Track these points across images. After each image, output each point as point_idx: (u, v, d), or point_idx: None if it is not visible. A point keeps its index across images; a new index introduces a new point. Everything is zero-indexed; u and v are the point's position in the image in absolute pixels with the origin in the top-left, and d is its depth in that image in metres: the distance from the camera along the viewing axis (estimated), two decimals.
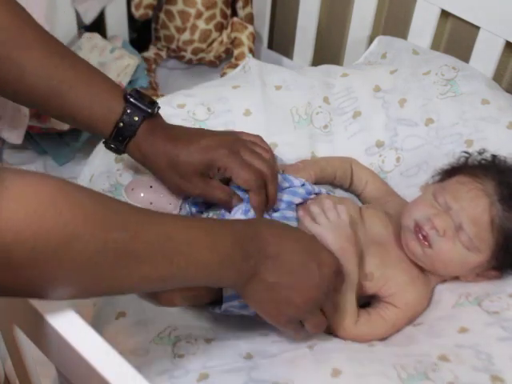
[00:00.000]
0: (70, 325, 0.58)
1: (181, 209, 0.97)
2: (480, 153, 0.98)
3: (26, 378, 0.75)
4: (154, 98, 1.26)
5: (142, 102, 0.88)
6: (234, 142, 0.89)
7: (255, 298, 0.75)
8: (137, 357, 0.80)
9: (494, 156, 0.96)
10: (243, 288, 0.73)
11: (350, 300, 0.86)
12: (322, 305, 0.78)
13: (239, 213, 0.87)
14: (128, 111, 0.87)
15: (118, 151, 0.91)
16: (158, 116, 0.91)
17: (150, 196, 0.96)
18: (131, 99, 0.87)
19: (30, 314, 0.60)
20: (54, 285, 0.56)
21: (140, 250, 0.60)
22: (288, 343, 0.84)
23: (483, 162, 0.96)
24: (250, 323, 0.90)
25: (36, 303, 0.59)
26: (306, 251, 0.76)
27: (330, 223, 0.87)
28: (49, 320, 0.58)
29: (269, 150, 0.93)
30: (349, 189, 1.06)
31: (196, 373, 0.78)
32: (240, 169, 0.86)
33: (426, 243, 0.88)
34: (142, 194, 0.96)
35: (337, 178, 1.02)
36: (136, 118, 0.87)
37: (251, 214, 0.87)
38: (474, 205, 0.87)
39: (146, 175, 1.01)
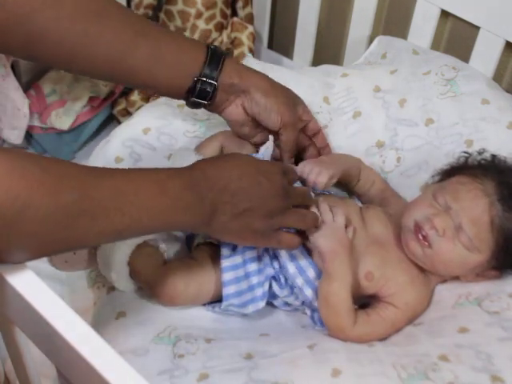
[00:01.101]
0: (69, 325, 0.58)
1: None
2: (480, 153, 0.98)
3: (26, 378, 0.75)
4: (154, 98, 1.28)
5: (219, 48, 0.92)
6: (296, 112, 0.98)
7: (225, 231, 0.79)
8: (137, 357, 0.80)
9: (493, 156, 0.96)
10: (208, 227, 0.77)
11: (345, 302, 0.86)
12: (288, 205, 0.82)
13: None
14: (198, 85, 0.90)
15: (206, 94, 0.91)
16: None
17: None
18: (197, 78, 0.90)
19: (29, 314, 0.60)
20: (10, 250, 0.60)
21: (92, 208, 0.64)
22: (288, 343, 0.84)
23: (483, 162, 0.96)
24: (250, 323, 0.90)
25: (36, 303, 0.59)
26: (251, 171, 0.80)
27: (323, 226, 0.88)
28: (49, 320, 0.58)
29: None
30: (354, 187, 1.05)
31: (196, 373, 0.78)
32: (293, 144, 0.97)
33: (425, 243, 0.88)
34: None
35: (349, 175, 1.01)
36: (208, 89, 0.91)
37: None
38: (473, 205, 0.87)
39: None
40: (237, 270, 0.88)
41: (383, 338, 0.87)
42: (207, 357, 0.80)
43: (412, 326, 0.88)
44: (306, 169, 0.94)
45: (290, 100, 0.97)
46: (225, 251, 0.89)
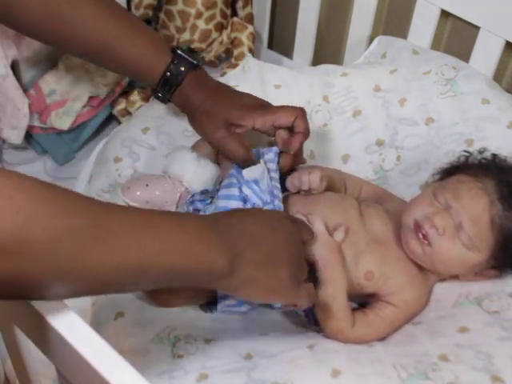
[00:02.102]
0: (69, 325, 0.58)
1: (177, 207, 0.97)
2: (480, 152, 0.98)
3: (26, 378, 0.75)
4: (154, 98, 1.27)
5: (187, 54, 0.95)
6: (267, 104, 0.97)
7: (251, 283, 0.71)
8: (136, 357, 0.80)
9: (494, 155, 0.96)
10: (231, 278, 0.69)
11: (342, 306, 0.86)
12: (303, 255, 0.78)
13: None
14: (175, 62, 0.94)
15: (164, 100, 0.98)
16: (202, 68, 0.98)
17: (146, 194, 0.96)
18: (178, 51, 0.95)
19: (30, 314, 0.60)
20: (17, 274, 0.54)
21: (105, 237, 0.58)
22: (288, 343, 0.84)
23: (484, 161, 0.96)
24: (250, 323, 0.90)
25: (36, 303, 0.59)
26: (263, 218, 0.76)
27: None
28: (49, 320, 0.58)
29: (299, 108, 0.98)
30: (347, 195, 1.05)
31: (195, 373, 0.78)
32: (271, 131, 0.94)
33: (425, 242, 0.88)
34: (138, 193, 0.96)
35: (335, 184, 1.01)
36: (182, 68, 0.94)
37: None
38: (474, 204, 0.87)
39: (143, 174, 1.01)
40: None
41: (383, 338, 0.87)
42: (207, 357, 0.80)
43: (412, 325, 0.88)
44: (295, 175, 0.95)
45: (217, 115, 0.94)
46: None
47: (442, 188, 0.91)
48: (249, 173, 0.92)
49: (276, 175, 0.93)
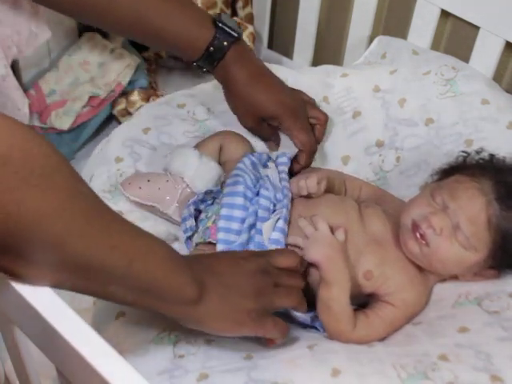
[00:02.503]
0: (70, 325, 0.58)
1: (178, 205, 0.97)
2: (478, 152, 0.98)
3: (26, 378, 0.75)
4: (154, 98, 1.27)
5: (229, 26, 0.96)
6: (301, 106, 1.01)
7: (217, 315, 0.74)
8: (137, 357, 0.80)
9: (492, 155, 0.96)
10: (197, 308, 0.71)
11: (346, 307, 0.86)
12: (272, 281, 0.78)
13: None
14: (217, 36, 0.96)
15: (205, 71, 1.00)
16: (243, 42, 1.01)
17: (148, 189, 0.96)
18: (220, 24, 0.96)
19: (29, 313, 0.60)
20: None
21: (98, 224, 0.61)
22: (288, 343, 0.84)
23: (481, 161, 0.96)
24: None
25: (36, 303, 0.59)
26: (227, 256, 0.81)
27: (309, 240, 0.88)
28: (49, 320, 0.58)
29: (325, 114, 1.06)
30: (346, 197, 1.05)
31: (196, 373, 0.78)
32: (299, 132, 0.99)
33: (423, 242, 0.88)
34: (139, 187, 0.96)
35: (336, 186, 1.02)
36: (225, 43, 0.96)
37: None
38: (471, 204, 0.87)
39: (144, 172, 1.01)
40: None
41: (383, 338, 0.87)
42: (207, 357, 0.80)
43: (412, 325, 0.88)
44: (293, 180, 0.96)
45: (252, 105, 1.00)
46: (220, 247, 0.89)
47: (439, 188, 0.91)
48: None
49: (286, 177, 0.97)
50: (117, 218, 0.65)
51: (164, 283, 0.68)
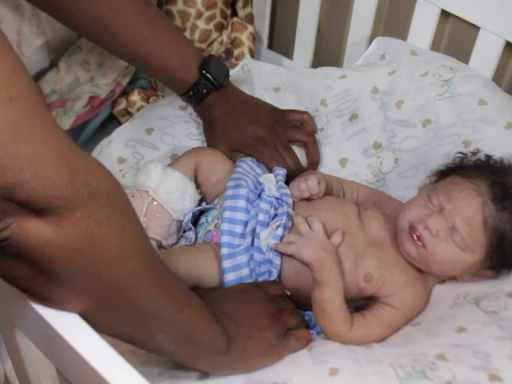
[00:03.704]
0: (70, 325, 0.58)
1: (145, 219, 0.96)
2: (474, 153, 0.98)
3: (26, 378, 0.75)
4: (154, 98, 1.27)
5: (214, 74, 1.01)
6: (274, 134, 1.04)
7: (246, 356, 0.76)
8: (137, 357, 0.80)
9: (488, 156, 0.96)
10: (228, 356, 0.74)
11: (340, 307, 0.86)
12: (278, 307, 0.84)
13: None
14: (198, 84, 1.01)
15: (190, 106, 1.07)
16: (227, 84, 1.05)
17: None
18: (204, 72, 1.01)
19: (29, 314, 0.60)
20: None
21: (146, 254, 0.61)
22: None
23: (478, 162, 0.96)
24: None
25: (36, 304, 0.59)
26: (232, 297, 0.83)
27: (302, 238, 0.89)
28: (49, 320, 0.58)
29: (310, 134, 1.09)
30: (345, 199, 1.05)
31: (196, 373, 0.78)
32: (269, 162, 1.02)
33: (420, 243, 0.88)
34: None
35: (334, 189, 1.02)
36: (204, 91, 1.02)
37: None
38: (466, 205, 0.87)
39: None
40: (236, 257, 0.89)
41: (382, 339, 0.87)
42: None
43: (410, 325, 0.88)
44: (293, 185, 0.97)
45: (230, 139, 1.04)
46: (224, 251, 0.89)
47: (435, 190, 0.91)
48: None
49: (284, 186, 0.97)
50: (162, 261, 0.65)
51: (202, 333, 0.70)
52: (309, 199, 0.97)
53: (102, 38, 0.97)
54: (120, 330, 0.62)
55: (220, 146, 1.04)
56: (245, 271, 0.89)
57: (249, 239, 0.90)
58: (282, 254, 0.90)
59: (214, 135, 1.05)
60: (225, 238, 0.90)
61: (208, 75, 1.01)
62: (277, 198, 0.94)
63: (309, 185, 0.95)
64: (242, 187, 0.93)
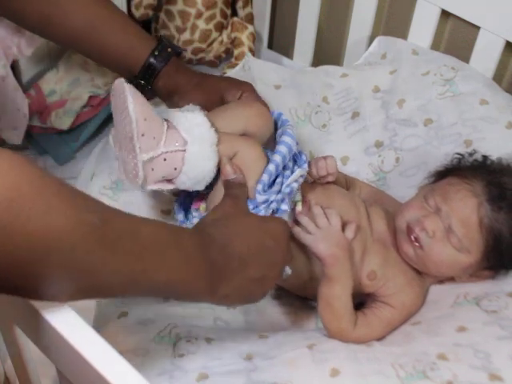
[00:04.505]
0: (69, 324, 0.58)
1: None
2: (471, 154, 0.97)
3: (26, 378, 0.75)
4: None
5: (171, 43, 1.00)
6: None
7: (232, 299, 0.74)
8: (137, 356, 0.80)
9: (485, 157, 0.96)
10: (212, 297, 0.71)
11: (347, 305, 0.86)
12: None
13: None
14: (160, 46, 0.98)
15: (144, 86, 0.99)
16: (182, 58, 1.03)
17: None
18: (163, 39, 1.00)
19: (29, 313, 0.60)
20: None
21: (111, 239, 0.58)
22: (287, 343, 0.84)
23: (475, 163, 0.96)
24: (251, 324, 0.91)
25: (35, 302, 0.59)
26: (257, 235, 0.76)
27: (320, 231, 0.87)
28: (49, 320, 0.58)
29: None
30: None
31: (195, 373, 0.78)
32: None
33: (417, 244, 0.88)
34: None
35: (340, 182, 1.01)
36: (169, 50, 0.99)
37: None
38: (462, 205, 0.87)
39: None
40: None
41: (381, 338, 0.87)
42: (207, 357, 0.80)
43: (411, 325, 0.89)
44: (312, 162, 0.94)
45: (205, 97, 0.99)
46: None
47: (432, 191, 0.91)
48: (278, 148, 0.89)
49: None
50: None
51: (180, 283, 0.67)
52: (323, 181, 0.95)
53: (48, 17, 0.95)
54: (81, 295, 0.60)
55: (209, 98, 0.99)
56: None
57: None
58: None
59: (198, 92, 1.00)
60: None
61: (165, 41, 1.00)
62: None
63: (328, 163, 0.94)
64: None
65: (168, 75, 0.99)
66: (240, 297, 0.75)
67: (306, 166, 0.89)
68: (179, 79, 1.00)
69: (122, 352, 0.57)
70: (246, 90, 0.98)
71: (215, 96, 0.98)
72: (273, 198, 0.85)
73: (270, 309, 0.94)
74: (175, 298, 0.71)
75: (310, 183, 0.95)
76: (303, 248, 0.88)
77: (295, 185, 0.86)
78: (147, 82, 0.99)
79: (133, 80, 0.98)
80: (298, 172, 0.86)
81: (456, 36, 1.23)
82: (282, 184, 0.86)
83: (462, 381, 0.75)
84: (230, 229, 0.75)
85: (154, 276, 0.63)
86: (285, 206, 0.85)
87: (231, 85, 1.00)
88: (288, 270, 0.81)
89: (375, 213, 0.95)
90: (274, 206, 0.85)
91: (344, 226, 0.90)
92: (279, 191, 0.86)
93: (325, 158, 0.95)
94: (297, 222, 0.89)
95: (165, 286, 0.66)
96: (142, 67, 0.98)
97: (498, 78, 1.18)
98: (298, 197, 0.90)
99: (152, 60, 0.98)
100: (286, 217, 0.86)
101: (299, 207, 0.90)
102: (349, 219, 0.91)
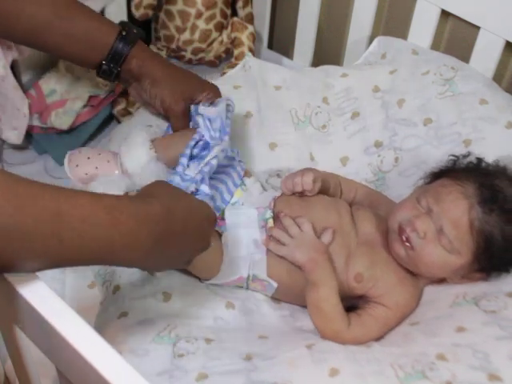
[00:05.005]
0: (70, 325, 0.58)
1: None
2: (465, 156, 0.97)
3: (26, 378, 0.75)
4: None
5: (133, 27, 1.00)
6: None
7: (158, 267, 0.76)
8: (137, 357, 0.80)
9: (479, 159, 0.96)
10: (143, 263, 0.70)
11: (336, 306, 0.87)
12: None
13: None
14: (125, 31, 0.98)
15: (110, 74, 1.00)
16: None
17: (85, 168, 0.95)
18: (126, 26, 0.99)
19: (29, 313, 0.60)
20: None
21: (26, 225, 0.56)
22: (287, 344, 0.84)
23: (470, 165, 0.96)
24: (250, 324, 0.91)
25: (36, 303, 0.59)
26: (195, 218, 0.75)
27: (293, 240, 0.89)
28: (49, 320, 0.58)
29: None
30: (340, 199, 1.06)
31: (195, 373, 0.78)
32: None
33: (408, 245, 0.88)
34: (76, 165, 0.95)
35: (331, 188, 1.02)
36: (135, 31, 0.99)
37: None
38: (453, 207, 0.87)
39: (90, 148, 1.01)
40: None
41: (379, 338, 0.87)
42: (207, 357, 0.81)
43: (409, 325, 0.89)
44: (289, 176, 0.97)
45: (178, 89, 1.01)
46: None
47: (425, 192, 0.92)
48: (206, 110, 0.96)
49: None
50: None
51: (114, 258, 0.66)
52: (301, 195, 0.96)
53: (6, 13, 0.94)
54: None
55: (177, 98, 1.01)
56: None
57: None
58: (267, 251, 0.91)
59: (166, 89, 1.01)
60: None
61: (128, 25, 1.00)
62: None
63: (304, 180, 0.95)
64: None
65: (137, 57, 1.00)
66: (166, 267, 0.76)
67: (226, 138, 0.93)
68: (151, 64, 1.01)
69: (121, 352, 0.57)
70: (211, 91, 1.02)
71: (187, 91, 1.01)
72: (192, 174, 0.88)
73: (269, 310, 0.94)
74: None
75: (288, 195, 0.97)
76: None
77: (214, 161, 0.90)
78: (116, 65, 0.99)
79: (101, 66, 0.99)
80: (216, 149, 0.90)
81: (456, 36, 1.23)
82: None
83: (461, 381, 0.75)
84: (177, 203, 0.74)
85: (78, 257, 0.62)
86: (205, 188, 0.88)
87: (200, 84, 1.03)
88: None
89: (363, 216, 0.96)
90: (192, 187, 0.87)
91: (321, 232, 0.91)
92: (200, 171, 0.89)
93: (302, 173, 0.95)
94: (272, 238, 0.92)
95: (90, 260, 0.64)
96: (109, 50, 0.98)
97: (498, 78, 1.18)
98: (269, 214, 0.94)
99: (120, 42, 0.98)
100: (207, 200, 0.87)
101: (270, 223, 0.93)
102: (327, 225, 0.92)
